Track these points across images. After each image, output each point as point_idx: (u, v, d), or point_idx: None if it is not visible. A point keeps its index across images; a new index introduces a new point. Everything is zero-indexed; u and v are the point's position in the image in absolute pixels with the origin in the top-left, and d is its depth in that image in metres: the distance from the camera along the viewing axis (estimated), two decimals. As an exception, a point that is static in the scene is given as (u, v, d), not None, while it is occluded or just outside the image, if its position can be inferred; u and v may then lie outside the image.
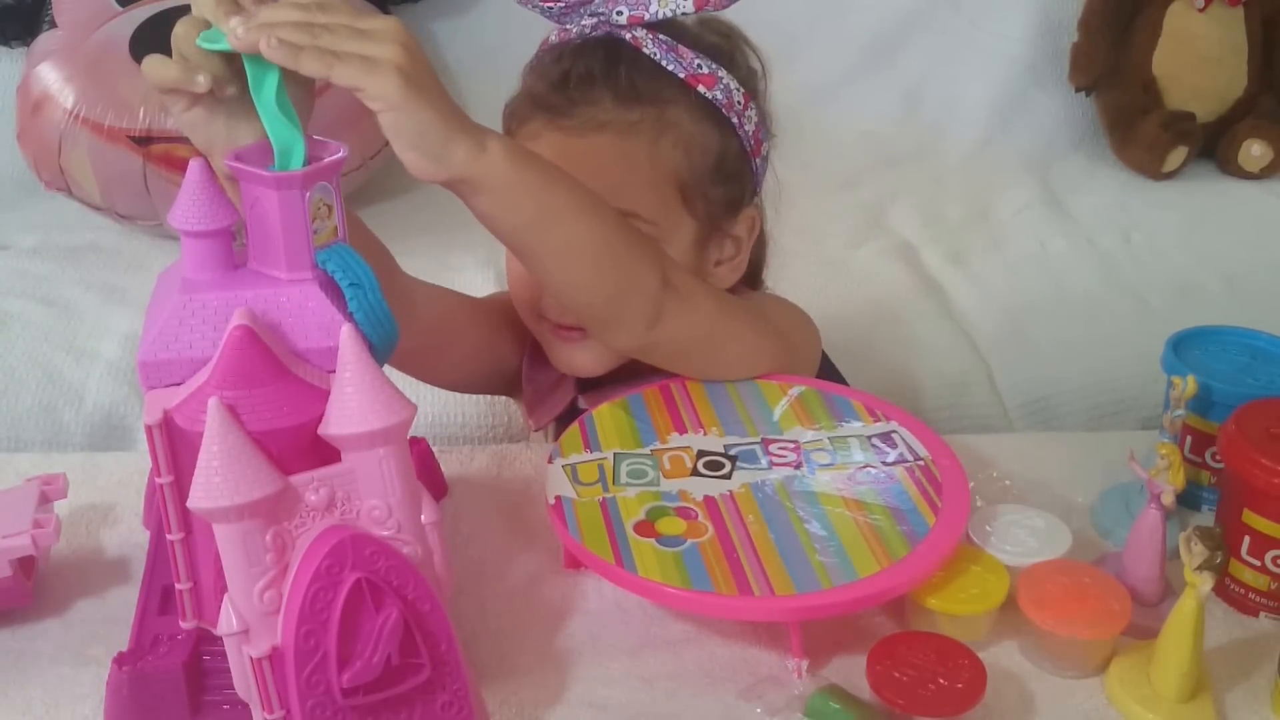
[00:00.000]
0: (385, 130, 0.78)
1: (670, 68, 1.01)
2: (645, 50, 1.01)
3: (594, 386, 1.10)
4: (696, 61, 1.02)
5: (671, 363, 1.01)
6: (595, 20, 1.00)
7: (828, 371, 1.17)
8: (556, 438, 1.00)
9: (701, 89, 1.02)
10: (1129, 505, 0.98)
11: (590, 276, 0.90)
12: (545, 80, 1.04)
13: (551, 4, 1.00)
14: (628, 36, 1.01)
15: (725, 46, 1.06)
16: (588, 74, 1.01)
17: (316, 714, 0.72)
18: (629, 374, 1.08)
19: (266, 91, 0.76)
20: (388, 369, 0.75)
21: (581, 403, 1.10)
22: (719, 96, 1.03)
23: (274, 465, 0.70)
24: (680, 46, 1.02)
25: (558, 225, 0.87)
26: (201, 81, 0.77)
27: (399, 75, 0.76)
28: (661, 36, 1.01)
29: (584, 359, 1.07)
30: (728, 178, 1.06)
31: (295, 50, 0.74)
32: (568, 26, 1.02)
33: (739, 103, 1.04)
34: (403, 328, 0.97)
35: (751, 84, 1.07)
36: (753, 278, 1.17)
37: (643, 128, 1.01)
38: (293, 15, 0.75)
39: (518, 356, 1.15)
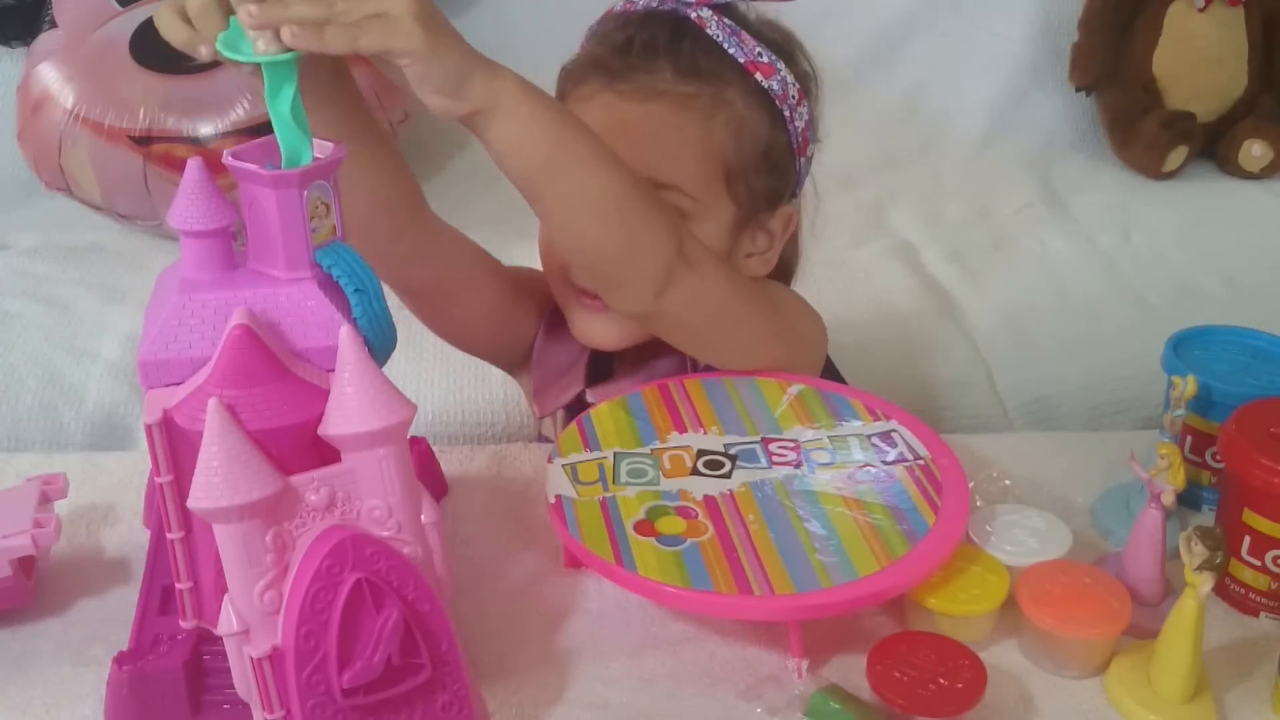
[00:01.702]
0: (412, 80, 0.79)
1: (731, 51, 1.03)
2: (709, 31, 1.03)
3: (603, 381, 1.11)
4: (758, 49, 1.04)
5: (676, 336, 1.01)
6: None
7: (829, 372, 1.17)
8: (561, 428, 0.99)
9: (759, 77, 1.03)
10: (1129, 505, 0.98)
11: (599, 231, 0.90)
12: (607, 44, 1.05)
13: None
14: (693, 15, 1.02)
15: (786, 46, 1.08)
16: (651, 43, 1.03)
17: (317, 714, 0.72)
18: (648, 355, 1.08)
19: (282, 101, 0.76)
20: (388, 371, 0.75)
21: (590, 396, 1.10)
22: (775, 87, 1.04)
23: (274, 465, 0.70)
24: (743, 33, 1.04)
25: (569, 171, 0.87)
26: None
27: (419, 25, 0.77)
28: (726, 20, 1.03)
29: (603, 330, 1.07)
30: (773, 168, 1.06)
31: (318, 31, 0.74)
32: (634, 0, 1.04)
33: (793, 97, 1.05)
34: (425, 259, 1.01)
35: (806, 86, 1.08)
36: (784, 280, 1.17)
37: (698, 103, 1.02)
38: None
39: (530, 333, 1.15)
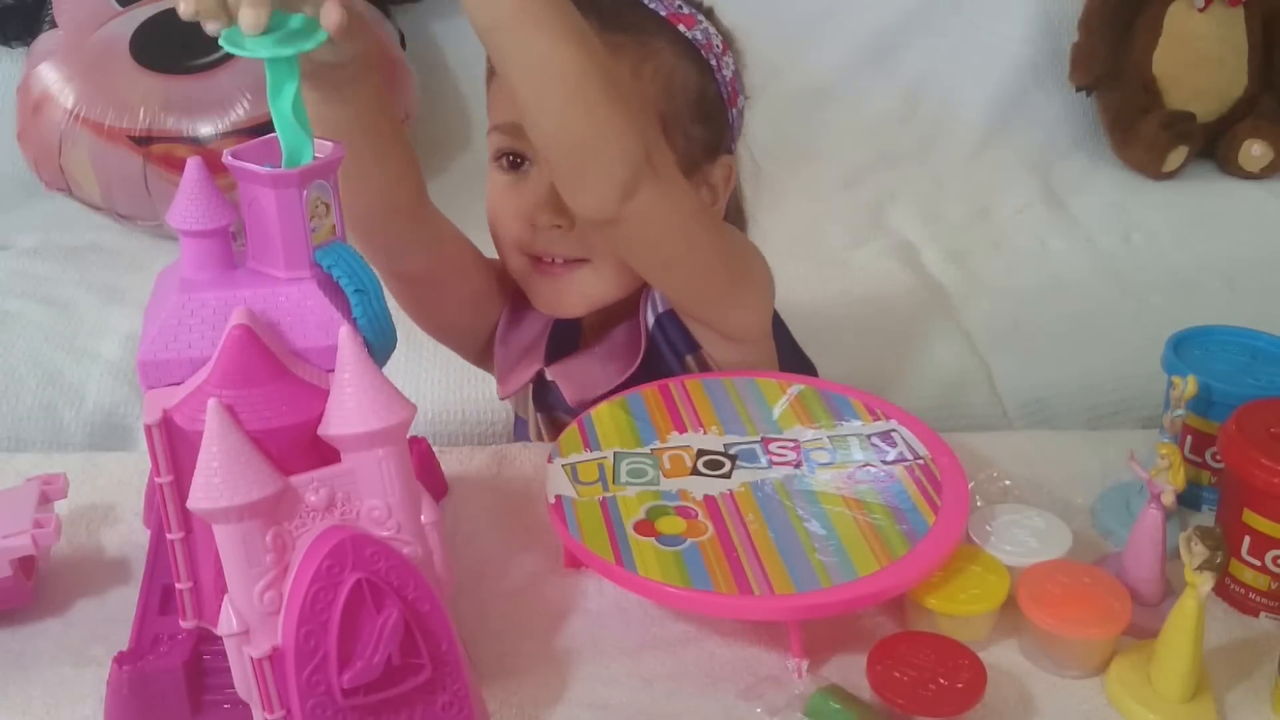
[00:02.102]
0: None
1: (652, 5, 1.06)
2: None
3: (560, 358, 1.12)
4: (678, 2, 1.06)
5: (636, 252, 1.00)
6: None
7: (797, 358, 1.17)
8: (530, 411, 0.99)
9: (682, 28, 1.05)
10: (1129, 505, 0.98)
11: (562, 109, 0.88)
12: None
13: None
14: None
15: (703, 6, 1.11)
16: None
17: (317, 714, 0.72)
18: (606, 326, 1.10)
19: (284, 99, 0.76)
20: (388, 371, 0.75)
21: (549, 374, 1.12)
22: (698, 37, 1.06)
23: (274, 465, 0.70)
24: None
25: (535, 35, 0.85)
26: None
27: None
28: None
29: (566, 295, 1.07)
30: (706, 117, 1.07)
31: None
32: None
33: (718, 47, 1.07)
34: (422, 250, 1.04)
35: (728, 43, 1.10)
36: None
37: (625, 52, 1.02)
38: None
39: (493, 324, 1.17)
